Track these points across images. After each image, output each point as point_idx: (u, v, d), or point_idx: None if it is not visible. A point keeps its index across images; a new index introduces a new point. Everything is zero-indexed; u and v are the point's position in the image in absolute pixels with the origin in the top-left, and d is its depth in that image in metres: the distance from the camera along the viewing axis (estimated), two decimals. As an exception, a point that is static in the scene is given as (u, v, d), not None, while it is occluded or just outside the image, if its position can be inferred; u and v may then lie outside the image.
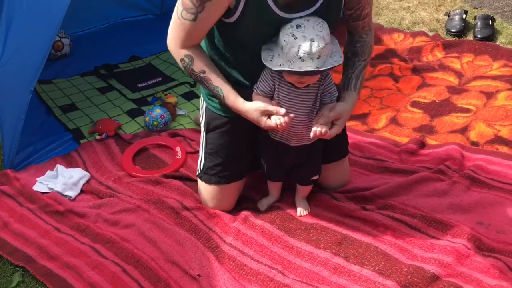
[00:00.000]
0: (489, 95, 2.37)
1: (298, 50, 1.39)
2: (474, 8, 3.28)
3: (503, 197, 1.78)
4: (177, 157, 2.09)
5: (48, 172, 1.99)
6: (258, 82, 1.56)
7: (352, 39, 1.66)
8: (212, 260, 1.60)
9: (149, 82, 2.63)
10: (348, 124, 2.08)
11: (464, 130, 2.16)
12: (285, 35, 1.42)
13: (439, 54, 2.78)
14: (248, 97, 1.56)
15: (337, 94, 1.59)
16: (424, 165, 1.97)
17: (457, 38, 2.93)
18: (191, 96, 2.52)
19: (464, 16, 3.02)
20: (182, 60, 1.54)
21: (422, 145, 2.09)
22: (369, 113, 2.34)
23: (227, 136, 1.70)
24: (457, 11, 3.05)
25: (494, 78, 2.50)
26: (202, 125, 1.76)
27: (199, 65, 1.54)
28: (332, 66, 1.44)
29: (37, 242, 1.69)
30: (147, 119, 2.26)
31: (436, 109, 2.32)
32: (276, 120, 1.48)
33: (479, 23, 2.94)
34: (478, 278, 1.49)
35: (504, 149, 2.02)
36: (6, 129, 1.97)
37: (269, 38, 1.48)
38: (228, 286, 1.51)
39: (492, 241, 1.62)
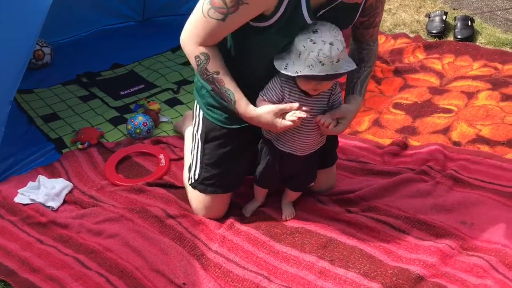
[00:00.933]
0: (470, 95, 2.39)
1: (318, 54, 1.39)
2: (454, 9, 3.32)
3: (485, 196, 1.80)
4: (161, 164, 2.08)
5: (30, 183, 1.96)
6: (264, 91, 1.54)
7: (359, 46, 1.66)
8: (197, 268, 1.59)
9: (132, 90, 2.61)
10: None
11: (446, 130, 2.18)
12: (303, 41, 1.41)
13: (420, 55, 2.81)
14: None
15: (341, 100, 1.60)
16: (407, 166, 1.98)
17: (437, 39, 2.96)
18: (174, 102, 2.51)
19: (444, 17, 3.05)
20: (197, 57, 1.47)
21: (405, 146, 2.11)
22: (352, 115, 2.34)
23: (227, 147, 1.67)
24: (437, 12, 3.08)
25: (474, 78, 2.53)
26: (197, 134, 1.72)
27: (214, 65, 1.48)
28: (348, 69, 1.45)
29: (18, 254, 1.66)
30: (129, 127, 2.25)
31: (418, 110, 2.33)
32: (292, 117, 1.46)
33: (459, 24, 2.97)
34: (462, 278, 1.50)
35: (485, 148, 2.05)
36: (-14, 140, 1.94)
37: (287, 46, 1.46)
38: (213, 293, 1.51)
39: (475, 240, 1.64)
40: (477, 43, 2.89)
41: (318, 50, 1.39)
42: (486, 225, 1.68)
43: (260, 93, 1.55)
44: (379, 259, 1.58)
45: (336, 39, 1.41)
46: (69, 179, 2.02)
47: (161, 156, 2.11)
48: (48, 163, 2.11)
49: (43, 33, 1.90)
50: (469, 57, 2.72)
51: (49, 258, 1.65)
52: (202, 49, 1.47)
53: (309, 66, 1.40)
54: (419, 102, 2.39)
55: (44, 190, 1.91)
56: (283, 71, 1.45)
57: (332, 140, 1.74)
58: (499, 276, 1.49)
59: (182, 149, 2.10)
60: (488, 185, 1.84)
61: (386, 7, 3.43)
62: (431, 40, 2.97)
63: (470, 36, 2.91)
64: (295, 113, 1.47)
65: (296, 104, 1.48)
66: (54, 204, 1.89)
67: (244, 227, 1.74)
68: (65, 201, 1.92)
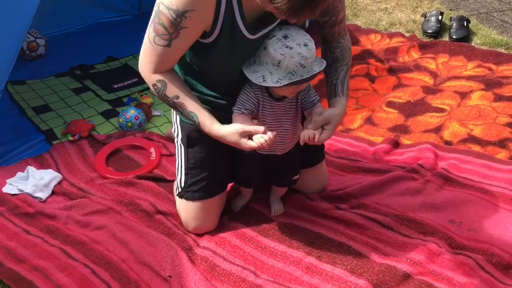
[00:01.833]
0: (463, 95, 2.39)
1: (299, 58, 1.37)
2: (450, 10, 3.32)
3: (475, 195, 1.80)
4: (151, 158, 2.07)
5: (19, 174, 1.95)
6: (241, 102, 1.51)
7: (329, 46, 1.63)
8: (184, 260, 1.58)
9: (125, 83, 2.61)
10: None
11: (438, 129, 2.18)
12: (279, 50, 1.39)
13: (415, 54, 2.81)
14: (225, 119, 1.51)
15: (318, 98, 1.57)
16: (397, 164, 1.97)
17: (433, 39, 2.96)
18: (167, 96, 2.50)
19: (440, 17, 3.05)
20: (154, 85, 1.47)
21: (396, 144, 2.10)
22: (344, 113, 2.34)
23: (209, 147, 1.63)
24: (433, 12, 3.08)
25: (468, 78, 2.53)
26: (179, 141, 1.68)
27: (172, 90, 1.47)
28: (322, 64, 1.45)
29: (4, 245, 1.65)
30: (121, 120, 2.24)
31: (411, 109, 2.33)
32: (260, 140, 1.43)
33: (454, 24, 2.97)
34: (449, 276, 1.50)
35: (476, 148, 2.04)
36: (-24, 130, 1.94)
37: (242, 58, 1.46)
38: (199, 286, 1.50)
39: (463, 239, 1.63)
40: (472, 44, 2.88)
41: (298, 54, 1.38)
42: (474, 224, 1.68)
43: (235, 107, 1.52)
44: (366, 256, 1.57)
45: (307, 38, 1.41)
46: (58, 171, 2.01)
47: (152, 150, 2.10)
48: (38, 154, 2.10)
49: (38, 25, 1.90)
50: (464, 57, 2.72)
51: (35, 248, 1.65)
52: (158, 77, 1.47)
53: (291, 72, 1.39)
54: (412, 101, 2.39)
55: (33, 181, 1.90)
56: (263, 84, 1.42)
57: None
58: (486, 274, 1.49)
59: (173, 147, 2.08)
60: (478, 184, 1.84)
61: (383, 6, 3.43)
62: (426, 39, 2.96)
63: (465, 36, 2.91)
64: (263, 137, 1.43)
65: (262, 128, 1.44)
66: (42, 195, 1.88)
67: (232, 222, 1.73)
68: (53, 192, 1.91)
